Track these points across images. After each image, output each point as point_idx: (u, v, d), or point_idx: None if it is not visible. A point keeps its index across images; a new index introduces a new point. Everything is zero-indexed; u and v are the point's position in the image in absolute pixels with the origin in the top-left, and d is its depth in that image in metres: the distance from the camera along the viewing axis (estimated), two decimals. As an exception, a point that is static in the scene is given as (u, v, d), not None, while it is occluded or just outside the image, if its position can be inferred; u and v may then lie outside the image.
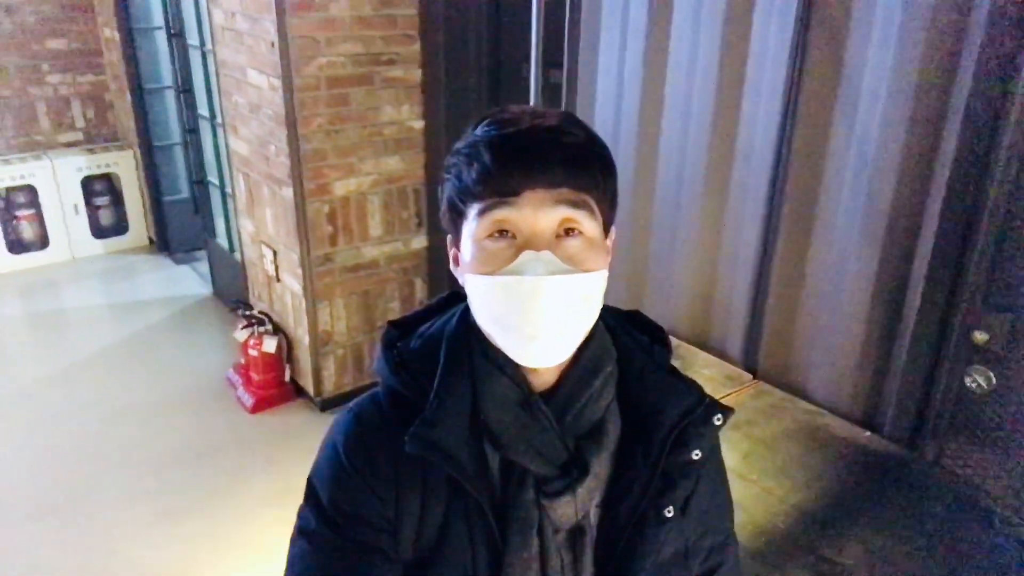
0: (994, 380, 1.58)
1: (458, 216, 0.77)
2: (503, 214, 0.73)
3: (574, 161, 0.73)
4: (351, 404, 0.85)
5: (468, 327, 0.82)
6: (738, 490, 1.59)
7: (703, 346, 2.23)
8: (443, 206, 0.80)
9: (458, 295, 0.86)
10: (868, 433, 1.78)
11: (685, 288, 2.25)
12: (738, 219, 2.05)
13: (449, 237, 0.82)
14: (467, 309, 0.81)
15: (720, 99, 2.02)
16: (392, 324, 0.88)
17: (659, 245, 2.31)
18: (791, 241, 1.93)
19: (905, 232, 1.68)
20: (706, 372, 2.09)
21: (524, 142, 0.73)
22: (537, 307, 0.72)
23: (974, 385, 1.61)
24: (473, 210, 0.75)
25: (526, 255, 0.72)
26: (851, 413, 1.86)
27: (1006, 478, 1.61)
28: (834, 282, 1.84)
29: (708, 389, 0.88)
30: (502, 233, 0.73)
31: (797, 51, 1.80)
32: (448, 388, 0.79)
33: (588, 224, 0.74)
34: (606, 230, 0.79)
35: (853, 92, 1.72)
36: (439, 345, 0.82)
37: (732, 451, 1.71)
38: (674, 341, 2.24)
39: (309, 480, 0.84)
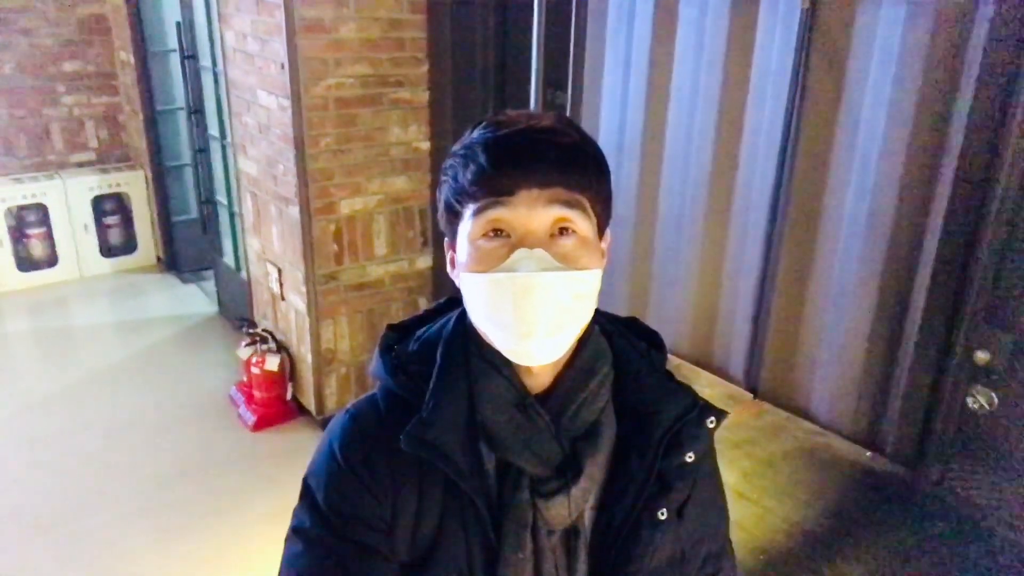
0: (996, 400, 1.57)
1: (454, 217, 0.78)
2: (498, 213, 0.74)
3: (568, 161, 0.75)
4: (348, 405, 0.86)
5: (464, 329, 0.83)
6: (739, 509, 1.58)
7: (705, 365, 2.22)
8: (440, 208, 0.81)
9: (456, 300, 0.86)
10: (870, 453, 1.77)
11: (687, 308, 2.25)
12: (740, 239, 2.06)
13: (446, 240, 0.83)
14: (464, 312, 0.82)
15: (722, 120, 2.04)
16: (391, 327, 0.89)
17: (662, 265, 2.31)
18: (792, 261, 1.93)
19: (906, 252, 1.68)
20: (708, 391, 2.08)
21: (519, 142, 0.74)
22: (530, 304, 0.72)
23: (976, 406, 1.60)
24: (469, 210, 0.76)
25: (519, 252, 0.73)
26: (853, 433, 1.84)
27: (1010, 499, 1.59)
28: (836, 302, 1.84)
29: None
30: (497, 232, 0.74)
31: (798, 72, 1.82)
32: (444, 389, 0.80)
33: (582, 223, 0.75)
34: (601, 231, 0.80)
35: (854, 113, 1.73)
36: (436, 347, 0.83)
37: (733, 470, 1.70)
38: (676, 360, 2.24)
39: (305, 480, 0.84)
